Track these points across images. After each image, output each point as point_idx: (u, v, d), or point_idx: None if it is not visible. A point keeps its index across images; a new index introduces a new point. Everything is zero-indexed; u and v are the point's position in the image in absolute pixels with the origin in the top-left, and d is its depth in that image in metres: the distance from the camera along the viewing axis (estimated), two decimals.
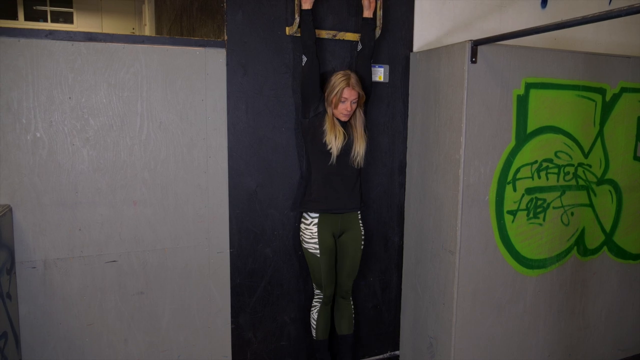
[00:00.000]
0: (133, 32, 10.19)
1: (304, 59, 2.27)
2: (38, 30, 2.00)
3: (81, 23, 9.92)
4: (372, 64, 2.48)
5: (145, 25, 8.44)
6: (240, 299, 2.47)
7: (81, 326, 2.20)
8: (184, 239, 2.32)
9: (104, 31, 9.93)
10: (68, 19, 9.65)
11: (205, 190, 2.33)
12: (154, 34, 7.39)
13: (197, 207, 2.32)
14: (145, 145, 2.20)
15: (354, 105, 2.30)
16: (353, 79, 2.28)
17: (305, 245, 2.40)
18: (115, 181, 2.17)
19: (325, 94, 2.31)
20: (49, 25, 9.75)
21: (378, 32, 2.48)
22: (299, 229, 2.51)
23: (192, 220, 2.32)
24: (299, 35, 2.36)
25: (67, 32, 2.04)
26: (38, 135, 2.03)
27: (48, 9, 9.56)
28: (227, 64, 2.29)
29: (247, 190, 2.41)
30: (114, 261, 2.21)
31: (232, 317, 2.46)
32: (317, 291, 2.50)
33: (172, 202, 2.28)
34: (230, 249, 2.41)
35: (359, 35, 2.47)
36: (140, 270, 2.26)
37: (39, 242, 2.09)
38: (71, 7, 9.62)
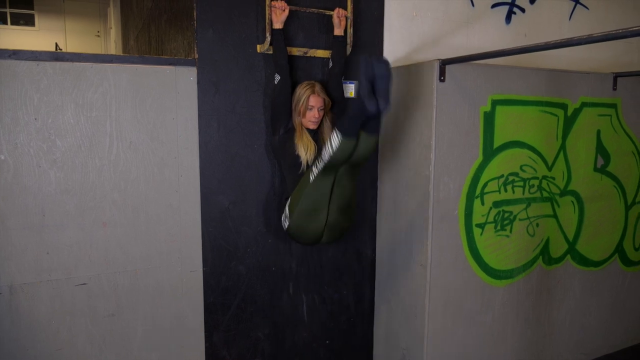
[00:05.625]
0: (98, 35, 9.96)
1: (277, 77, 2.28)
2: (1, 50, 1.94)
3: (43, 25, 9.64)
4: (343, 81, 2.51)
5: (111, 28, 8.26)
6: (214, 317, 2.46)
7: (50, 352, 2.14)
8: (155, 259, 2.29)
9: (68, 34, 9.70)
10: (29, 21, 9.37)
11: (177, 209, 2.31)
12: (120, 38, 7.25)
13: (169, 226, 2.30)
14: (115, 166, 2.16)
15: (322, 112, 2.33)
16: (317, 86, 2.33)
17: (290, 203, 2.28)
18: (84, 203, 2.13)
19: (293, 106, 2.33)
20: (9, 28, 9.43)
21: (349, 49, 2.51)
22: (272, 243, 2.52)
23: (164, 240, 2.29)
24: (270, 52, 2.36)
25: (32, 52, 1.99)
26: (2, 157, 1.98)
27: (8, 10, 9.26)
28: (198, 82, 2.28)
29: (219, 208, 2.40)
30: (84, 284, 2.17)
31: (205, 335, 2.44)
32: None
33: (144, 223, 2.25)
34: (203, 267, 2.39)
35: (330, 52, 2.49)
36: (111, 292, 2.22)
37: (5, 267, 2.03)
38: (32, 9, 9.34)
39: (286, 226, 2.30)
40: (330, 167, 2.09)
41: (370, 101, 1.89)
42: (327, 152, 2.03)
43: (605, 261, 3.04)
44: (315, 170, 2.13)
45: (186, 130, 2.28)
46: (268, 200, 2.49)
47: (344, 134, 1.99)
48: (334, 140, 2.00)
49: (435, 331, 2.47)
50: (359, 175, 2.30)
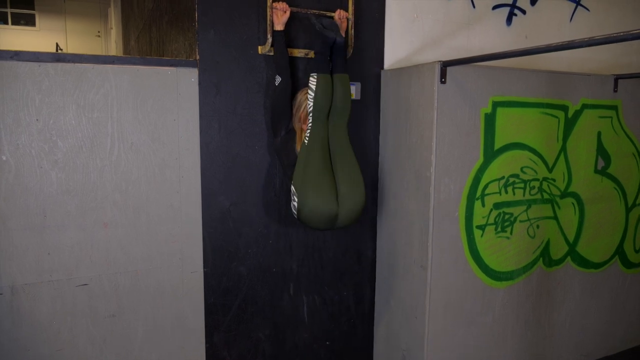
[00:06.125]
0: (98, 35, 9.97)
1: (278, 78, 2.28)
2: (3, 51, 1.95)
3: (44, 25, 9.65)
4: None
5: (112, 28, 8.28)
6: (215, 318, 2.46)
7: (50, 352, 2.15)
8: (156, 260, 2.29)
9: (68, 34, 9.71)
10: (30, 21, 9.38)
11: (178, 210, 2.31)
12: (120, 39, 7.26)
13: (169, 227, 2.30)
14: (116, 167, 2.17)
15: None
16: None
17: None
18: (85, 203, 2.13)
19: (293, 111, 2.34)
20: (10, 28, 9.44)
21: (350, 51, 2.51)
22: (273, 244, 2.53)
23: (165, 240, 2.30)
24: (271, 54, 2.37)
25: (34, 53, 1.99)
26: (4, 158, 1.98)
27: (9, 10, 9.27)
28: (200, 84, 2.28)
29: (220, 209, 2.40)
30: (85, 285, 2.17)
31: (206, 336, 2.45)
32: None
33: (144, 223, 2.25)
34: (204, 268, 2.40)
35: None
36: (112, 292, 2.23)
37: (6, 268, 2.03)
38: (33, 9, 9.34)
39: (296, 206, 2.22)
40: (318, 114, 2.25)
41: (327, 32, 2.25)
42: (310, 96, 2.23)
43: (606, 263, 3.04)
44: (307, 132, 2.26)
45: (187, 131, 2.29)
46: (269, 201, 2.49)
47: (318, 70, 2.24)
48: (312, 82, 2.23)
49: (436, 332, 2.48)
50: (348, 125, 2.37)
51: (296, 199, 2.22)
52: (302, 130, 2.33)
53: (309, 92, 2.24)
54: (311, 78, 2.24)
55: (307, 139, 2.25)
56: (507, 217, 2.60)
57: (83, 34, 9.97)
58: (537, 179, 2.67)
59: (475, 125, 2.42)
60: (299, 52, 2.45)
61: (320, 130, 2.27)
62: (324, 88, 2.23)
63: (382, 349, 2.82)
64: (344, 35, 2.45)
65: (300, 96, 2.34)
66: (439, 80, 2.29)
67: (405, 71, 2.50)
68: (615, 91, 2.86)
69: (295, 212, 2.25)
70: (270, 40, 2.32)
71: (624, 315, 3.17)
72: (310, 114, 2.25)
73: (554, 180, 2.74)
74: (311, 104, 2.23)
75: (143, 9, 4.46)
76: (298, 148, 2.30)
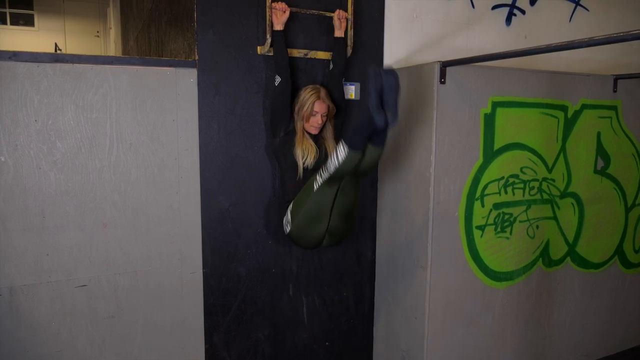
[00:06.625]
0: (97, 36, 9.96)
1: (278, 79, 2.28)
2: (2, 51, 1.94)
3: (43, 26, 9.65)
4: (344, 82, 2.51)
5: (111, 29, 8.28)
6: (214, 318, 2.45)
7: (50, 353, 2.14)
8: (156, 261, 2.29)
9: (67, 34, 9.71)
10: (29, 21, 9.38)
11: (177, 210, 2.30)
12: (119, 39, 7.25)
13: (169, 228, 2.30)
14: (115, 167, 2.16)
15: (325, 118, 2.34)
16: (323, 92, 2.33)
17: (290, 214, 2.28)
18: (84, 204, 2.13)
19: (296, 109, 2.33)
20: (8, 28, 9.44)
21: (349, 51, 2.51)
22: (272, 245, 2.52)
23: (164, 241, 2.29)
24: (270, 54, 2.36)
25: (32, 54, 1.98)
26: (2, 159, 1.97)
27: (8, 10, 9.27)
28: (199, 84, 2.28)
29: (219, 209, 2.40)
30: (84, 285, 2.17)
31: (205, 337, 2.44)
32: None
33: (144, 224, 2.24)
34: (203, 269, 2.39)
35: (331, 53, 2.49)
36: (111, 293, 2.22)
37: (5, 269, 2.03)
38: (32, 10, 9.34)
39: (287, 231, 2.31)
40: (336, 178, 2.04)
41: (379, 115, 1.81)
42: (333, 163, 1.97)
43: (605, 263, 3.04)
44: (319, 180, 2.06)
45: (186, 132, 2.28)
46: (268, 201, 2.49)
47: (351, 146, 1.92)
48: (340, 153, 1.94)
49: (436, 333, 2.47)
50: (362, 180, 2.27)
51: (289, 227, 2.29)
52: (303, 129, 2.32)
53: (333, 158, 1.98)
54: (340, 147, 1.94)
55: (317, 184, 2.08)
56: (506, 217, 2.59)
57: (82, 34, 9.97)
58: (537, 179, 2.67)
59: (474, 126, 2.42)
60: (298, 52, 2.45)
61: (332, 188, 2.09)
62: (350, 163, 1.96)
63: (382, 349, 2.81)
64: (343, 35, 2.44)
65: (304, 94, 2.31)
66: (439, 80, 2.28)
67: (405, 71, 2.49)
68: (614, 91, 2.86)
69: (286, 233, 2.34)
70: (269, 40, 2.32)
71: (623, 315, 3.17)
72: (326, 173, 2.03)
73: (554, 180, 2.74)
74: (331, 168, 1.99)
75: (142, 9, 4.45)
76: (297, 150, 2.28)
